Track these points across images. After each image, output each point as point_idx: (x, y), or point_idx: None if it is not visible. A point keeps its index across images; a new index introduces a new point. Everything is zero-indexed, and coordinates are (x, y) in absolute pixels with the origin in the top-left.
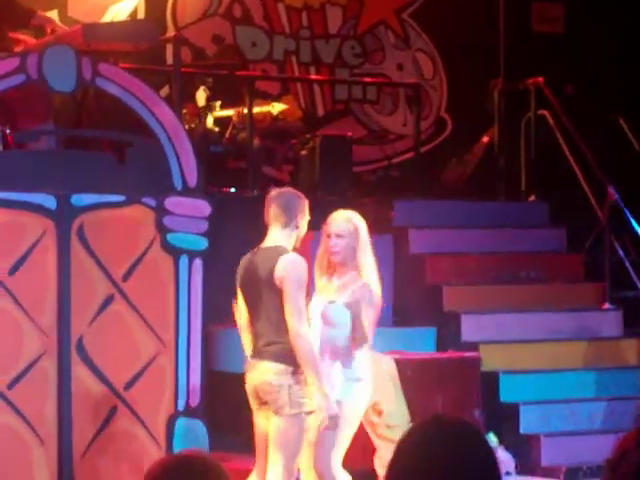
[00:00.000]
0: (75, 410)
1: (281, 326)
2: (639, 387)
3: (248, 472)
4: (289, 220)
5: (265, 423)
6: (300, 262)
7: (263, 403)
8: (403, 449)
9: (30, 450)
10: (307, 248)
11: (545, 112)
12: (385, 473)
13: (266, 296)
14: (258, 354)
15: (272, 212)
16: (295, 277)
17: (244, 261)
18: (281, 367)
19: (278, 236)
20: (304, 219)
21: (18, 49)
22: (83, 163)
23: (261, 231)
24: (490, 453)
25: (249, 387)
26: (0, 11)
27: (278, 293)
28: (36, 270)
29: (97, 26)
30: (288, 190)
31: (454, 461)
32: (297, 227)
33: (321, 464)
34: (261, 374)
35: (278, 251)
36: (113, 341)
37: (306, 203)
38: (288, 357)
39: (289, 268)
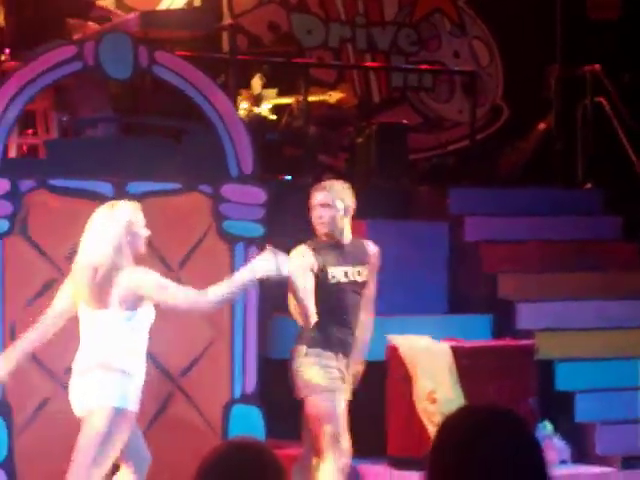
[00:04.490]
0: None
1: None
2: None
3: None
4: None
5: None
6: None
7: None
8: (442, 433)
9: None
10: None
11: (602, 99)
12: (428, 454)
13: None
14: None
15: None
16: None
17: None
18: None
19: None
20: None
21: (78, 36)
22: (140, 151)
23: None
24: (526, 441)
25: None
26: (60, 1)
27: None
28: None
29: (154, 14)
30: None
31: (486, 449)
32: None
33: None
34: None
35: None
36: (169, 328)
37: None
38: None
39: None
